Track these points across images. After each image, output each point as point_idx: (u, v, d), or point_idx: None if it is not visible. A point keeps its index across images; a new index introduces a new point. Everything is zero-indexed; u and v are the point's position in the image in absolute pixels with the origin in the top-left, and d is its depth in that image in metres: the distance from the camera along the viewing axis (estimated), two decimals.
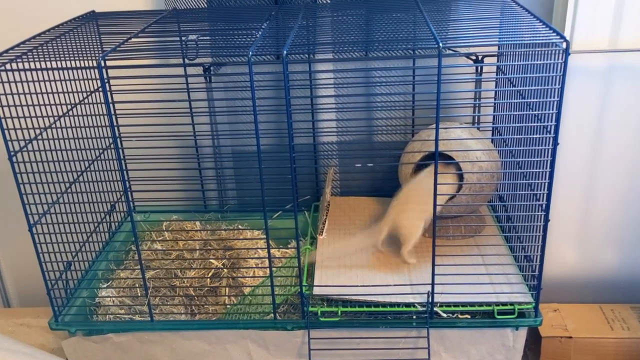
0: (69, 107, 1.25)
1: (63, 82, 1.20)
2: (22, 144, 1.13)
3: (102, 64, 1.03)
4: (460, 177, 1.26)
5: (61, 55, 1.12)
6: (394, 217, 1.28)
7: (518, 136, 1.23)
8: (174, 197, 1.34)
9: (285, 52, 1.02)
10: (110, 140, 1.38)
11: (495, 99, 1.47)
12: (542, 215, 1.11)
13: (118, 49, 1.08)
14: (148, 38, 1.18)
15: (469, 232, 1.36)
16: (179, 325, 1.25)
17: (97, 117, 1.33)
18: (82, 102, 1.31)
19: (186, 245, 1.48)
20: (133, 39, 1.14)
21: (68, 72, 1.17)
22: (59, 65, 1.09)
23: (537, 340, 1.43)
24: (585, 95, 1.47)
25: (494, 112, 1.49)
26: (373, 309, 1.18)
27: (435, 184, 1.09)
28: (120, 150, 1.21)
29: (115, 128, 1.10)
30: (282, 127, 1.52)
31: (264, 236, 1.31)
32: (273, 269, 1.18)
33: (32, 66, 1.07)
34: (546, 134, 1.07)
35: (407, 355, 1.19)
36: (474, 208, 1.35)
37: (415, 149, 1.33)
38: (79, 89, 1.30)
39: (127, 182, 1.29)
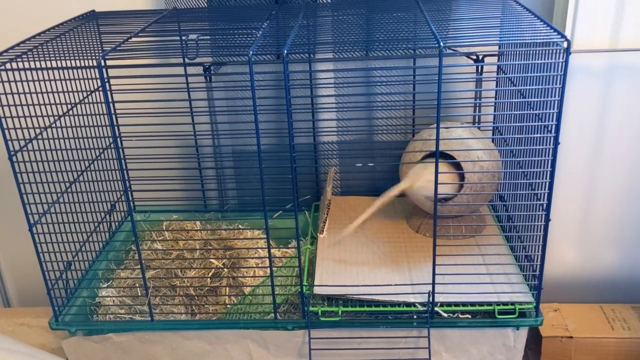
0: (69, 106, 1.25)
1: (63, 82, 1.20)
2: (22, 143, 1.13)
3: (102, 64, 1.03)
4: (461, 176, 1.26)
5: (61, 55, 1.12)
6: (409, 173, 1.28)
7: (519, 136, 1.23)
8: (174, 196, 1.34)
9: (285, 51, 1.02)
10: (111, 140, 1.38)
11: (496, 99, 1.47)
12: (543, 215, 1.11)
13: (118, 48, 1.08)
14: (148, 37, 1.18)
15: (470, 232, 1.35)
16: (179, 325, 1.25)
17: (97, 116, 1.33)
18: (82, 101, 1.31)
19: (186, 245, 1.48)
20: (133, 39, 1.14)
21: (68, 71, 1.17)
22: (59, 65, 1.09)
23: (537, 340, 1.43)
24: (586, 95, 1.46)
25: (495, 111, 1.49)
26: (374, 308, 1.18)
27: (436, 183, 1.08)
28: (121, 150, 1.21)
29: (116, 128, 1.09)
30: (283, 126, 1.52)
31: (265, 236, 1.31)
32: (273, 268, 1.18)
33: (32, 65, 1.07)
34: (547, 133, 1.07)
35: (408, 355, 1.19)
36: (474, 208, 1.35)
37: (417, 149, 1.33)
38: (79, 89, 1.30)
39: (127, 182, 1.29)
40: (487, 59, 1.37)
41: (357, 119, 1.52)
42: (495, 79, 1.45)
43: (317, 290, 1.20)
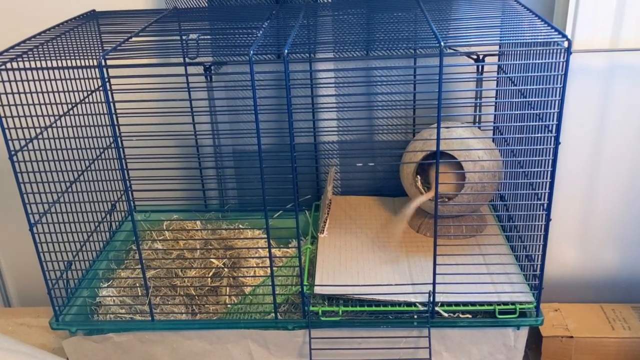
0: (70, 106, 1.25)
1: (63, 82, 1.20)
2: (23, 143, 1.13)
3: (103, 63, 1.03)
4: (462, 176, 1.26)
5: (62, 55, 1.12)
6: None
7: (519, 135, 1.23)
8: (175, 196, 1.34)
9: (286, 51, 1.02)
10: (111, 140, 1.38)
11: (496, 98, 1.47)
12: (544, 215, 1.11)
13: (119, 48, 1.08)
14: (149, 37, 1.18)
15: (470, 232, 1.35)
16: (180, 325, 1.25)
17: (98, 116, 1.33)
18: (83, 101, 1.31)
19: (187, 244, 1.48)
20: (134, 38, 1.14)
21: (68, 71, 1.17)
22: (60, 65, 1.09)
23: (538, 340, 1.43)
24: (587, 95, 1.46)
25: (495, 111, 1.49)
26: (374, 308, 1.18)
27: (437, 183, 1.08)
28: (121, 150, 1.21)
29: (116, 127, 1.10)
30: (283, 126, 1.51)
31: (265, 236, 1.31)
32: (274, 268, 1.18)
33: (33, 65, 1.07)
34: (547, 133, 1.06)
35: (408, 355, 1.19)
36: (475, 207, 1.35)
37: (417, 148, 1.33)
38: (79, 88, 1.29)
39: (127, 182, 1.29)
40: (487, 59, 1.37)
41: (358, 118, 1.52)
42: (495, 78, 1.45)
43: (317, 290, 1.20)
